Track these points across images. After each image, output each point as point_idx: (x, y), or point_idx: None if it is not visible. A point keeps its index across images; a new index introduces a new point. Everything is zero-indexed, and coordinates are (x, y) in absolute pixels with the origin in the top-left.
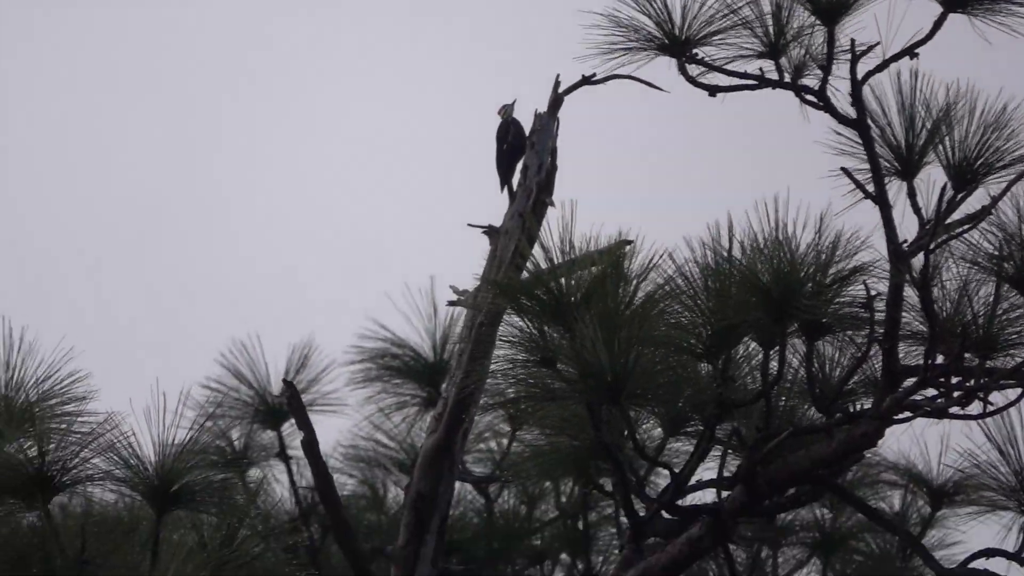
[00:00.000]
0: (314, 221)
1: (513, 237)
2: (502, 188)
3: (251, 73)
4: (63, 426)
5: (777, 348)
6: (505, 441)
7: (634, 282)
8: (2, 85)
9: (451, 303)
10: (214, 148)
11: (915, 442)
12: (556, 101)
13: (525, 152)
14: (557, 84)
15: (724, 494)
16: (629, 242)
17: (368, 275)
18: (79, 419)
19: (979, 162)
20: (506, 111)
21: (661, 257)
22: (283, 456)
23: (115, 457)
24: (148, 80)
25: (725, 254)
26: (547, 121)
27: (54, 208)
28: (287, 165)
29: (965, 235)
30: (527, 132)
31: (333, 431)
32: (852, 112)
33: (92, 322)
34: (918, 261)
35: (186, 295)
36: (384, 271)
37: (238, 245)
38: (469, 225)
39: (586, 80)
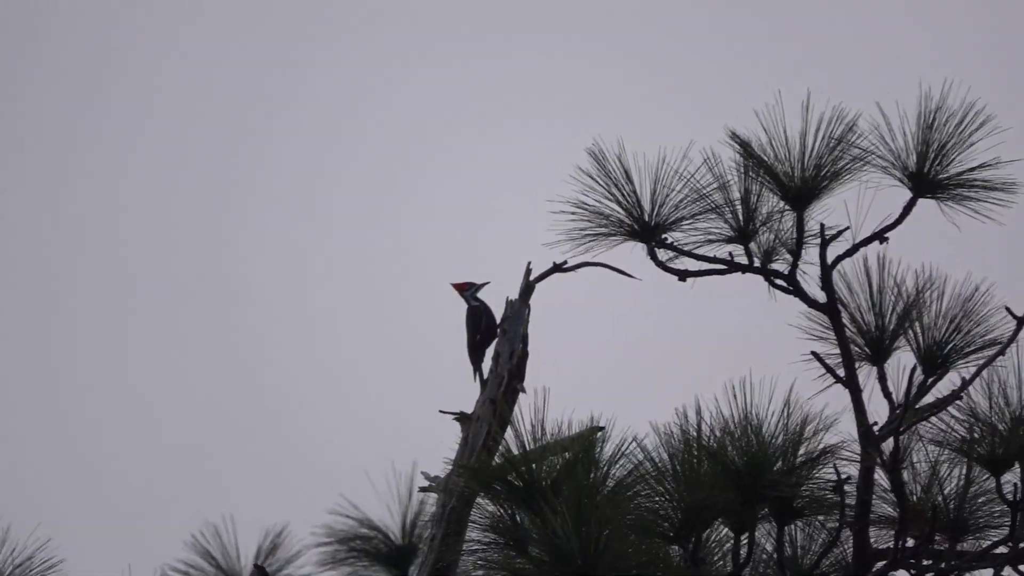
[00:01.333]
0: (285, 397)
1: (484, 423)
2: (474, 375)
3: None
4: None
5: (747, 533)
6: None
7: (604, 467)
8: None
9: (423, 489)
10: (182, 334)
11: None
12: (527, 288)
13: (496, 338)
14: (528, 271)
15: None
16: (600, 428)
17: (339, 456)
18: None
19: (949, 347)
20: (473, 290)
21: (631, 443)
22: None
23: None
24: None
25: (694, 438)
26: (519, 308)
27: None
28: (261, 340)
29: (935, 418)
30: (498, 318)
31: None
32: (822, 296)
33: (64, 496)
34: (888, 444)
35: (157, 470)
36: (354, 452)
37: (212, 418)
38: (441, 412)
39: (557, 268)
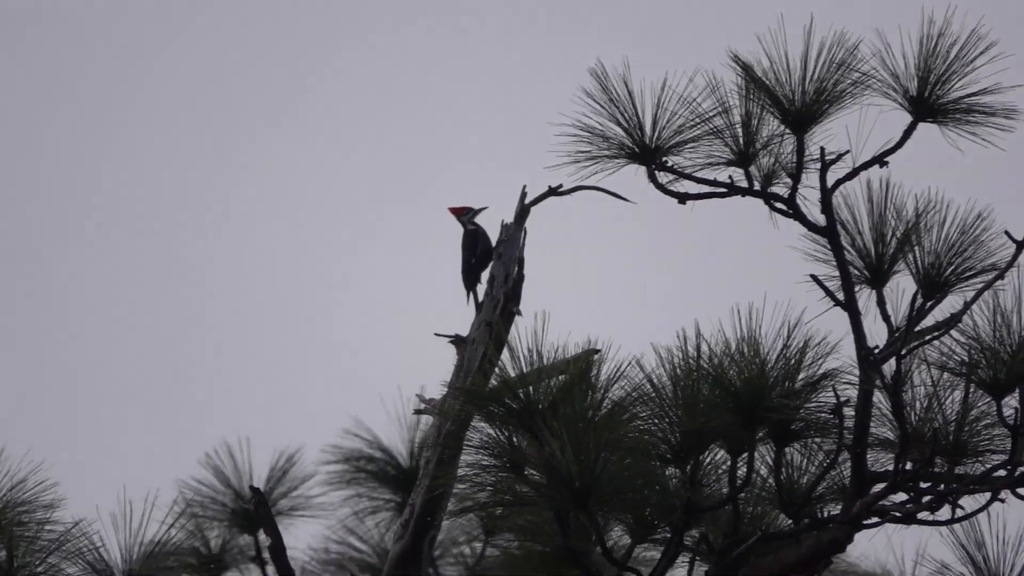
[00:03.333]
0: (293, 321)
1: (480, 346)
2: (468, 298)
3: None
4: (31, 533)
5: (745, 454)
6: (479, 545)
7: (602, 389)
8: None
9: (418, 411)
10: (195, 255)
11: (884, 545)
12: (523, 211)
13: (492, 262)
14: (524, 195)
15: None
16: (596, 351)
17: (345, 382)
18: (47, 526)
19: (948, 270)
20: (471, 214)
21: (629, 365)
22: (258, 560)
23: (82, 562)
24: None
25: (694, 360)
26: (514, 231)
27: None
28: (267, 270)
29: (936, 342)
30: (493, 242)
31: (314, 534)
32: (822, 220)
33: (64, 418)
34: (888, 367)
35: (175, 396)
36: (360, 379)
37: (216, 345)
38: (436, 335)
39: (553, 191)
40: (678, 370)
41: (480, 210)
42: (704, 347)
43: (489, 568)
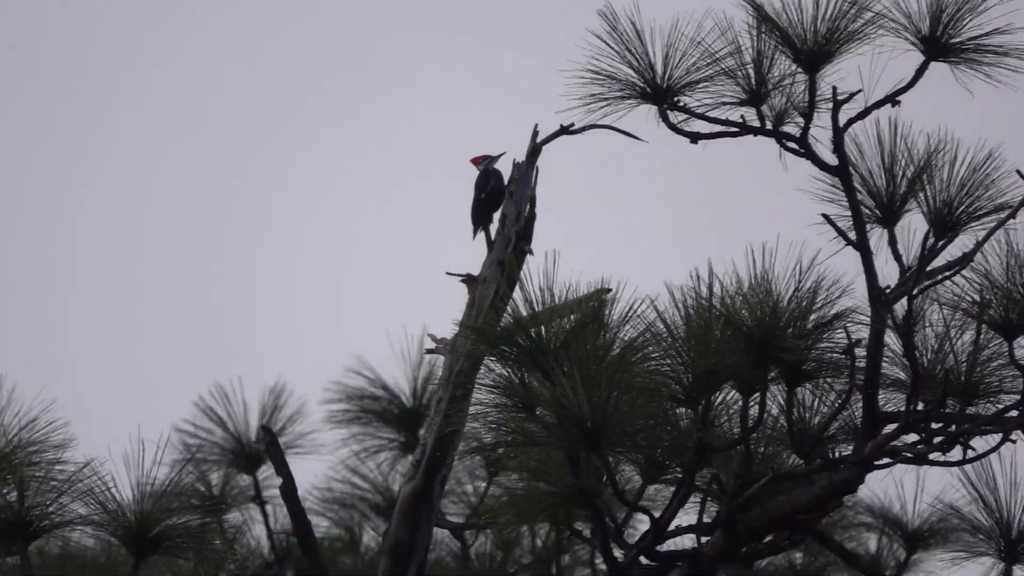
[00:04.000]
0: (298, 263)
1: (491, 285)
2: (475, 235)
3: (245, 120)
4: (42, 473)
5: (756, 394)
6: (482, 485)
7: (614, 329)
8: None
9: (429, 351)
10: (199, 191)
11: (891, 485)
12: (534, 150)
13: (503, 201)
14: (535, 134)
15: (703, 540)
16: (608, 290)
17: (352, 318)
18: (58, 466)
19: (960, 210)
20: (488, 161)
21: (641, 304)
22: (259, 500)
23: (94, 502)
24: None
25: (707, 300)
26: (525, 170)
27: (34, 247)
28: (273, 207)
29: (947, 282)
30: (506, 181)
31: (308, 473)
32: (834, 159)
33: (72, 360)
34: (900, 307)
35: (171, 332)
36: (368, 315)
37: (223, 284)
38: (447, 273)
39: (564, 130)
40: (690, 310)
41: (498, 156)
42: (717, 287)
43: (493, 508)
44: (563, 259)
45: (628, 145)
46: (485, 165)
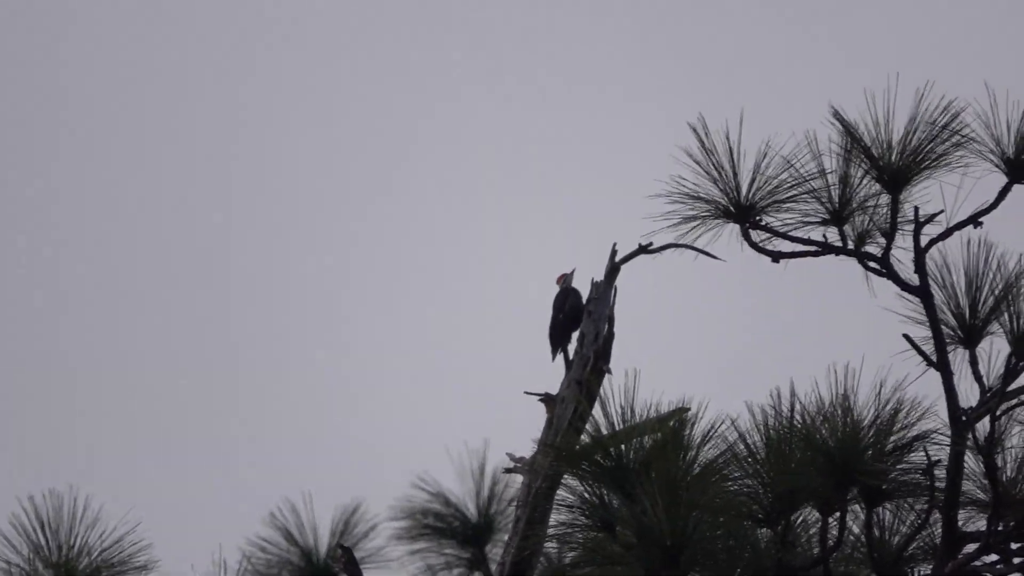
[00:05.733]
0: (369, 380)
1: (569, 404)
2: (554, 356)
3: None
4: None
5: (836, 513)
6: None
7: (695, 448)
8: None
9: (508, 470)
10: (268, 305)
11: None
12: (613, 269)
13: (582, 320)
14: (614, 253)
15: None
16: (687, 409)
17: (418, 438)
18: None
19: None
20: (566, 280)
21: (721, 424)
22: None
23: None
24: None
25: (788, 420)
26: (604, 289)
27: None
28: (346, 329)
29: None
30: (584, 300)
31: None
32: (915, 280)
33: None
34: (981, 428)
35: (236, 452)
36: (435, 435)
37: (296, 401)
38: (526, 393)
39: (643, 249)
40: (771, 430)
41: (572, 273)
42: (798, 407)
43: None
44: (642, 378)
45: (707, 264)
46: (565, 282)
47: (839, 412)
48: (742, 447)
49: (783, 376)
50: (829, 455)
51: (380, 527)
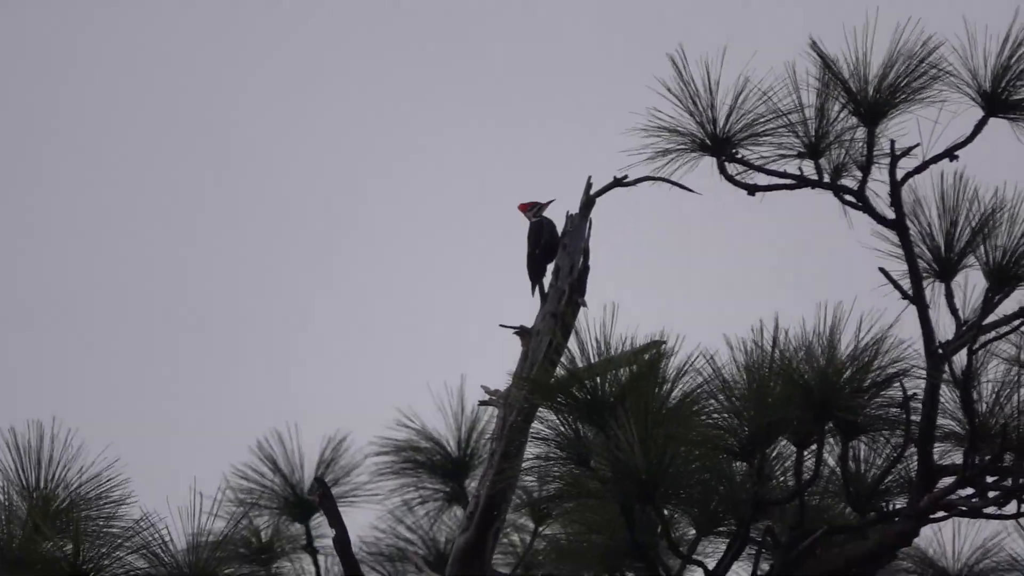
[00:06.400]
0: (348, 314)
1: (544, 338)
2: (533, 290)
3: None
4: (99, 526)
5: (812, 447)
6: (528, 536)
7: (671, 382)
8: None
9: (483, 402)
10: (254, 246)
11: (939, 536)
12: (588, 202)
13: (557, 253)
14: (589, 185)
15: None
16: (662, 342)
17: (399, 371)
18: (113, 521)
19: (1019, 266)
20: (537, 208)
21: (699, 358)
22: (311, 550)
23: (149, 555)
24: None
25: (768, 354)
26: (579, 222)
27: (97, 294)
28: (326, 258)
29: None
30: (559, 233)
31: (361, 523)
32: (891, 213)
33: (132, 402)
34: (957, 361)
35: (228, 381)
36: (414, 368)
37: (276, 337)
38: (501, 326)
39: (618, 182)
40: (751, 364)
41: (547, 204)
42: (781, 340)
43: (545, 561)
44: (618, 312)
45: (683, 197)
46: (535, 212)
47: (822, 347)
48: (719, 381)
49: (758, 311)
50: (808, 390)
51: (364, 463)
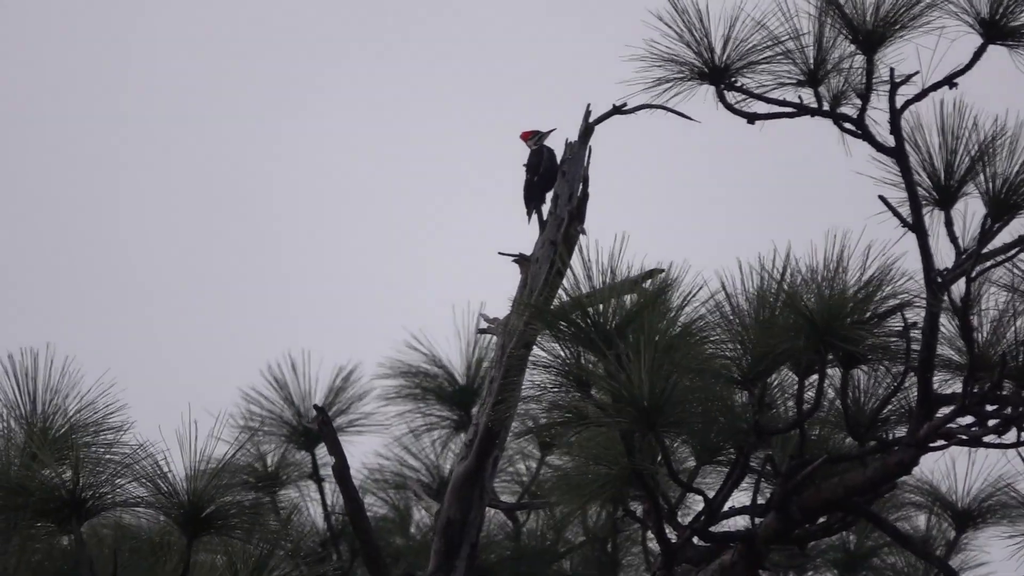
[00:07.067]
0: (358, 242)
1: (544, 265)
2: (529, 217)
3: (287, 100)
4: (98, 453)
5: (813, 377)
6: (534, 464)
7: (675, 310)
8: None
9: (481, 330)
10: (258, 170)
11: (941, 465)
12: (587, 130)
13: (556, 181)
14: (588, 113)
15: (757, 521)
16: (661, 270)
17: (412, 295)
18: (113, 448)
19: (1019, 192)
20: (538, 137)
21: (701, 289)
22: (316, 478)
23: (147, 483)
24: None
25: (775, 281)
26: (578, 150)
27: (94, 220)
28: (335, 189)
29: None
30: (558, 161)
31: (369, 451)
32: (891, 141)
33: (141, 331)
34: (956, 290)
35: (238, 308)
36: (427, 292)
37: (284, 262)
38: (500, 253)
39: (617, 110)
40: (752, 294)
41: (548, 133)
42: (788, 271)
43: (547, 489)
44: (617, 240)
45: (684, 126)
46: (536, 141)
47: (827, 278)
48: (727, 308)
49: (759, 240)
50: (811, 320)
51: (374, 391)
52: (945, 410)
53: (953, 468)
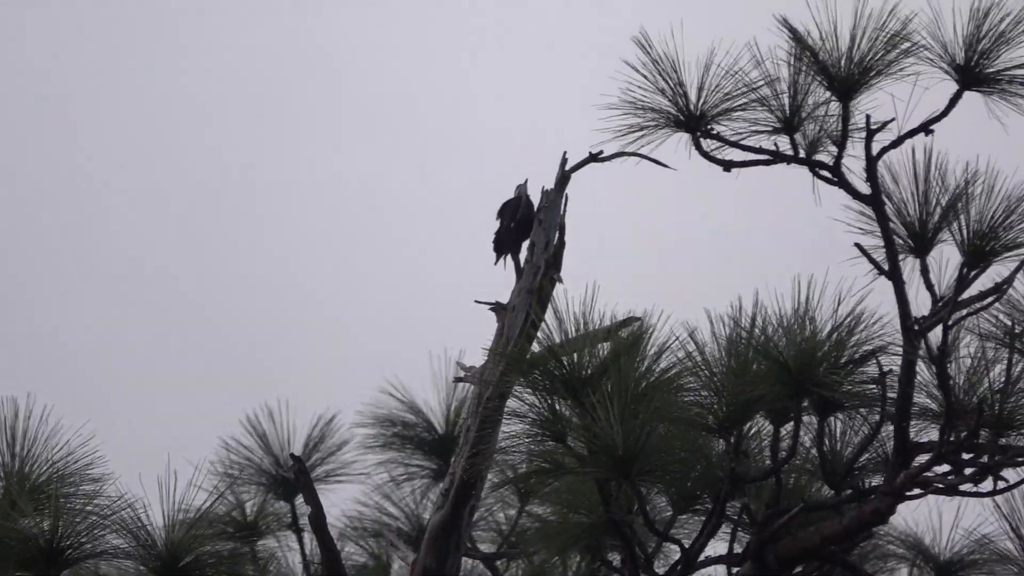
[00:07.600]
0: (336, 286)
1: (520, 313)
2: (496, 262)
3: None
4: (79, 505)
5: (788, 424)
6: (513, 512)
7: (649, 359)
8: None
9: (458, 379)
10: (238, 225)
11: (924, 515)
12: (563, 178)
13: (532, 229)
14: (564, 161)
15: (734, 570)
16: (637, 319)
17: (385, 347)
18: (95, 500)
19: (994, 240)
20: (519, 191)
21: (676, 338)
22: (295, 528)
23: (126, 533)
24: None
25: (746, 330)
26: (555, 197)
27: (79, 270)
28: (313, 235)
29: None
30: (535, 209)
31: (348, 500)
32: (866, 188)
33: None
34: (932, 337)
35: (217, 355)
36: (398, 348)
37: (261, 309)
38: (476, 302)
39: (593, 157)
40: (728, 341)
41: (524, 183)
42: (759, 318)
43: (524, 539)
44: (598, 290)
45: (659, 174)
46: (518, 193)
47: (800, 323)
48: (696, 357)
49: (735, 287)
50: (786, 367)
51: (353, 441)
52: (922, 458)
53: (940, 519)
